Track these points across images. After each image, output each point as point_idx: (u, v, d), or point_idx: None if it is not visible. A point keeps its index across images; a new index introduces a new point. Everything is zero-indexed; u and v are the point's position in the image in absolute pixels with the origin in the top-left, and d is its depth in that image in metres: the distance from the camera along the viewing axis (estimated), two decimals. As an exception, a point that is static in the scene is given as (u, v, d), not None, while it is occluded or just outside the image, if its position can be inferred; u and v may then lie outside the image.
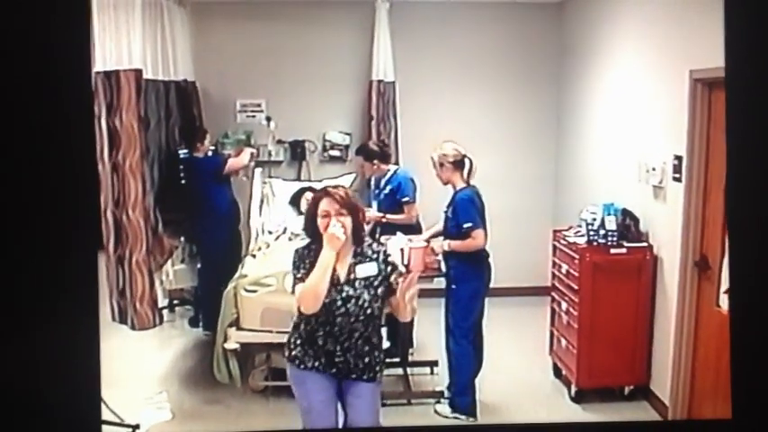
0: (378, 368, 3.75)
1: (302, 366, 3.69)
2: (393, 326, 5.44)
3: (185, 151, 6.74)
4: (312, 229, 3.65)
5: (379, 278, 3.64)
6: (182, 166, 6.68)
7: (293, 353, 3.72)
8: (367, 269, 3.64)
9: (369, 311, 3.62)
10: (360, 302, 3.59)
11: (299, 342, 3.71)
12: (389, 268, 3.70)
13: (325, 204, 3.59)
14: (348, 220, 3.57)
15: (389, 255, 3.78)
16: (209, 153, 7.00)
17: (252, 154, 7.08)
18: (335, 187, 3.75)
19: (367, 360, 3.68)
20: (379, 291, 3.64)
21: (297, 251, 3.73)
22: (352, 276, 3.61)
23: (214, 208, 6.71)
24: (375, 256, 3.68)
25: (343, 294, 3.59)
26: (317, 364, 3.67)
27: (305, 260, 3.65)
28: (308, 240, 3.74)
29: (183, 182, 6.66)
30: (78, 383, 1.31)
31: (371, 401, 3.78)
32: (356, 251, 3.66)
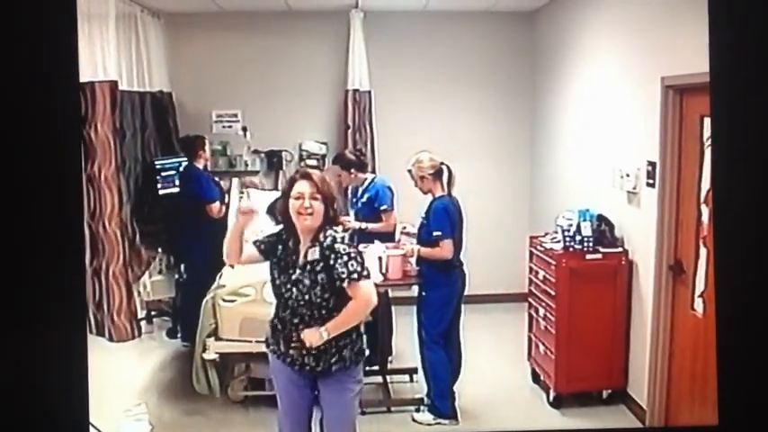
0: (335, 361, 3.63)
1: (273, 354, 3.73)
2: (372, 334, 5.45)
3: (181, 160, 6.69)
4: (283, 213, 3.62)
5: (321, 264, 3.53)
6: (168, 174, 6.63)
7: (267, 336, 3.78)
8: (312, 253, 3.55)
9: (307, 297, 3.54)
10: (300, 287, 3.55)
11: (270, 326, 3.76)
12: (332, 255, 3.52)
13: (301, 186, 3.54)
14: (320, 206, 3.53)
15: (338, 240, 3.57)
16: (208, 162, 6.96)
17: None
18: (313, 170, 3.74)
19: (322, 348, 3.58)
20: (320, 277, 3.53)
21: (279, 234, 3.70)
22: (303, 260, 3.58)
23: (201, 219, 6.66)
24: (321, 240, 3.55)
25: (293, 277, 3.58)
26: (276, 349, 3.70)
27: (276, 247, 3.66)
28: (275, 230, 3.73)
29: (171, 190, 6.61)
30: (65, 399, 1.32)
31: (338, 397, 3.72)
32: (314, 236, 3.58)
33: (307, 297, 3.54)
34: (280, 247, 3.66)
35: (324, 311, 3.57)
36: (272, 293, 3.79)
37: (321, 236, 3.56)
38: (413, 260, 5.34)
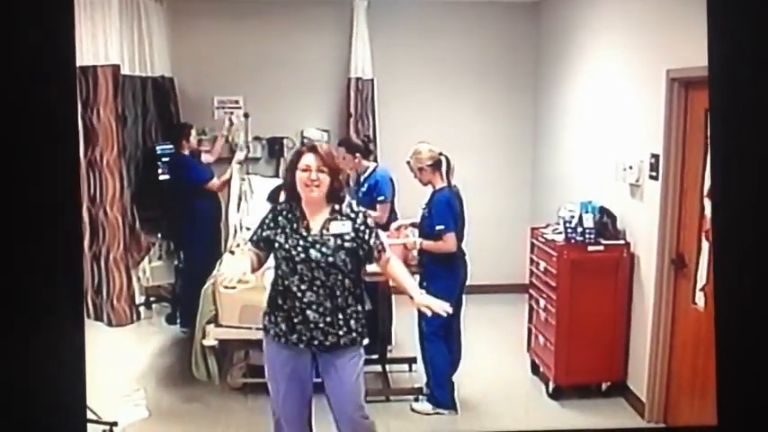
0: (344, 333, 3.69)
1: (269, 336, 3.74)
2: (372, 323, 5.43)
3: (170, 147, 6.69)
4: (290, 185, 3.70)
5: (352, 235, 3.67)
6: (166, 162, 6.63)
7: (264, 322, 3.79)
8: (341, 227, 3.67)
9: (331, 260, 3.60)
10: (323, 250, 3.60)
11: (267, 309, 3.77)
12: (367, 231, 3.71)
13: (308, 159, 3.63)
14: (326, 178, 3.61)
15: (368, 217, 3.79)
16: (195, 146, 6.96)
17: (241, 161, 7.10)
18: (319, 144, 3.83)
19: (329, 319, 3.65)
20: (347, 245, 3.65)
21: (273, 210, 3.80)
22: (324, 230, 3.65)
23: (197, 212, 6.68)
24: (353, 216, 3.71)
25: (309, 240, 3.62)
26: (278, 331, 3.68)
27: (276, 220, 3.71)
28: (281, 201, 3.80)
29: (166, 176, 6.62)
30: (63, 383, 1.30)
31: (346, 373, 3.75)
32: (333, 209, 3.70)
33: (331, 259, 3.60)
34: (280, 218, 3.71)
35: (339, 274, 3.64)
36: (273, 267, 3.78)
37: (345, 209, 3.71)
38: (414, 252, 5.32)
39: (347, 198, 3.78)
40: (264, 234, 3.73)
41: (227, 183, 6.81)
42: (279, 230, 3.68)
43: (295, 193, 3.68)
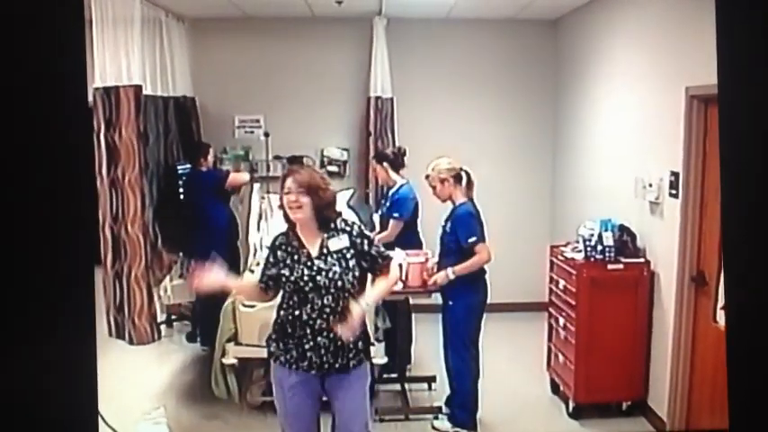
0: (353, 355, 3.67)
1: (277, 362, 3.72)
2: (391, 341, 5.44)
3: (187, 166, 6.76)
4: (283, 208, 3.70)
5: (351, 250, 3.63)
6: (183, 180, 6.70)
7: (270, 348, 3.77)
8: (338, 242, 3.64)
9: (339, 283, 3.56)
10: (329, 275, 3.56)
11: (273, 336, 3.75)
12: (365, 240, 3.68)
13: (288, 182, 3.62)
14: (305, 199, 3.58)
15: (362, 227, 3.77)
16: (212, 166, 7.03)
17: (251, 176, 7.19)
18: (301, 167, 3.87)
19: (339, 343, 3.60)
20: (351, 263, 3.61)
21: (271, 246, 3.80)
22: (324, 251, 3.62)
23: (212, 222, 6.72)
24: (348, 229, 3.68)
25: (314, 268, 3.58)
26: (289, 358, 3.66)
27: (276, 255, 3.71)
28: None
29: (182, 196, 6.67)
30: (76, 400, 1.31)
31: (353, 392, 3.74)
32: (327, 228, 3.66)
33: (339, 283, 3.56)
34: (279, 253, 3.69)
35: (347, 296, 3.59)
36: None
37: (339, 224, 3.68)
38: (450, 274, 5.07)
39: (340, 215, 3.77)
40: (271, 272, 3.72)
41: (243, 184, 7.06)
42: (282, 264, 3.66)
43: (288, 216, 3.67)
